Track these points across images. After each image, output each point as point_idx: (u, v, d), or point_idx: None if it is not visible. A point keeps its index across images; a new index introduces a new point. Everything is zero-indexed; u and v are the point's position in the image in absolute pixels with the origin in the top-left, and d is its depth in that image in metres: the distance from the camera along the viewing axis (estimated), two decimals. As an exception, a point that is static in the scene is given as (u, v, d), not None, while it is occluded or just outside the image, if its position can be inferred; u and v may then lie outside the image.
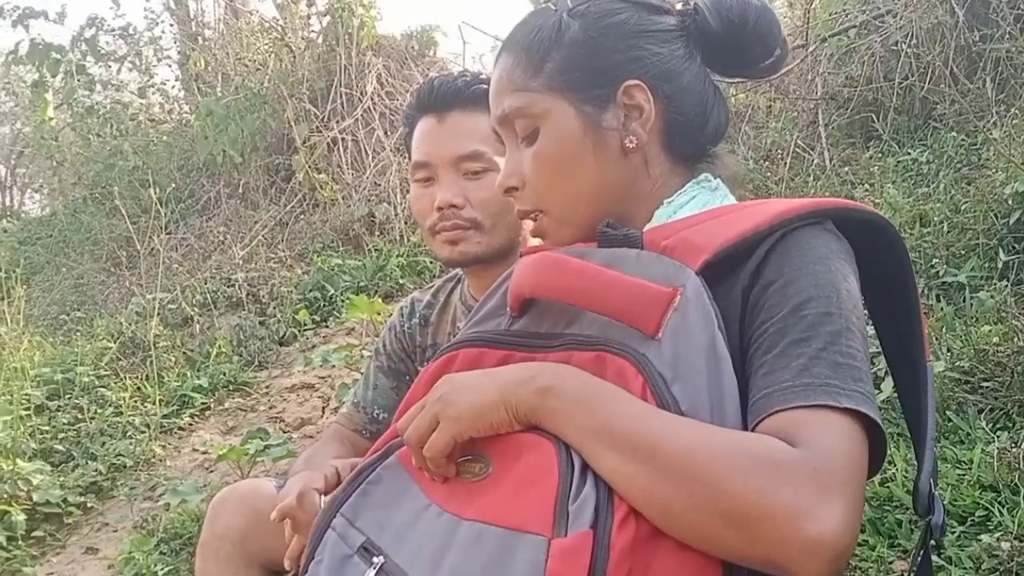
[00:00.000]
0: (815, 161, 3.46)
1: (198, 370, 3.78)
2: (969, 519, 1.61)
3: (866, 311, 0.82)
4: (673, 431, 0.65)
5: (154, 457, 3.16)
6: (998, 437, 1.77)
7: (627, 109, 0.82)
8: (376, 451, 0.82)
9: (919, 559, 0.74)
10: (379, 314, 2.97)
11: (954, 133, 3.16)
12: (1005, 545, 1.49)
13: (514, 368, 0.75)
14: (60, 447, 3.20)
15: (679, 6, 0.86)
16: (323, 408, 3.33)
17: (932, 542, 0.74)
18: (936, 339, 2.09)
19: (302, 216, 5.17)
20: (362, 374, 1.49)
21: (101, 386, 3.65)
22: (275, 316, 4.16)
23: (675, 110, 0.83)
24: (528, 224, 0.92)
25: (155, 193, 4.47)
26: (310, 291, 4.30)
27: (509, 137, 0.87)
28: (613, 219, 0.81)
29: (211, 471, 3.00)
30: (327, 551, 0.77)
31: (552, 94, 0.82)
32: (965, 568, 1.49)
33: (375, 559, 0.73)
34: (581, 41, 0.82)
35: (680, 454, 0.63)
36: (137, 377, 3.66)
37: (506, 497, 0.69)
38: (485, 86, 1.13)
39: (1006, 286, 2.25)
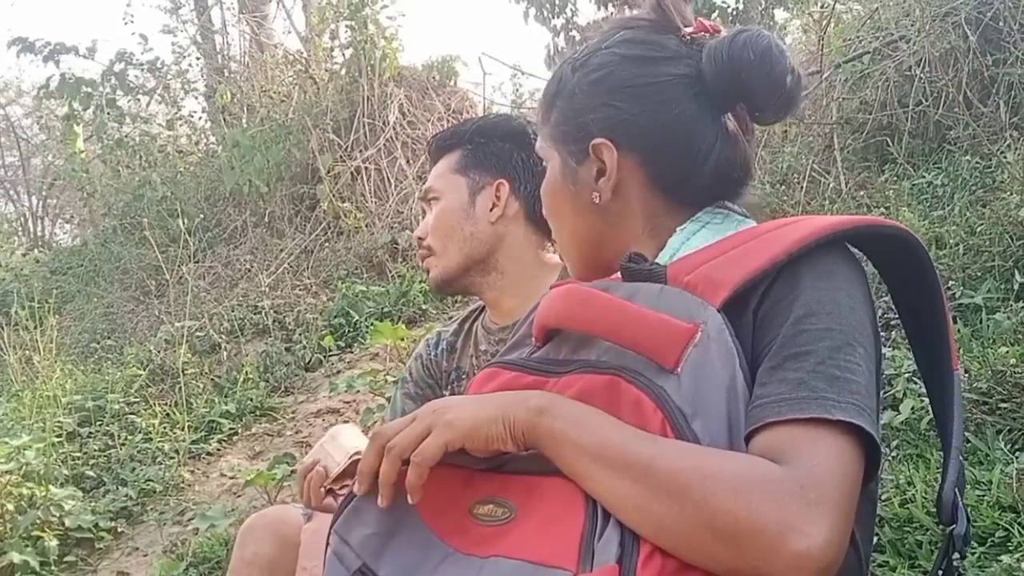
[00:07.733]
0: (831, 185, 3.47)
1: (226, 396, 3.84)
2: (989, 540, 1.60)
3: (897, 322, 0.85)
4: (665, 452, 0.67)
5: (183, 482, 3.22)
6: (1017, 458, 1.77)
7: (598, 164, 0.85)
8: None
9: (940, 572, 0.75)
10: (403, 339, 3.01)
11: (968, 156, 3.16)
12: (1024, 566, 1.50)
13: (509, 392, 0.78)
14: (91, 473, 3.26)
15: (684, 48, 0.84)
16: (348, 433, 3.37)
17: (956, 554, 0.74)
18: (954, 360, 2.10)
19: (326, 244, 5.24)
20: (387, 400, 1.55)
21: (131, 413, 3.71)
22: (301, 342, 4.22)
23: (657, 163, 0.84)
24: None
25: (183, 223, 4.58)
26: (335, 317, 4.35)
27: None
28: (635, 254, 0.82)
29: (239, 496, 3.05)
30: (327, 570, 0.76)
31: (551, 143, 0.89)
32: (984, 589, 1.50)
33: None
34: (571, 96, 0.87)
35: (672, 473, 0.66)
36: (166, 404, 3.73)
37: (530, 534, 0.69)
38: (446, 139, 1.39)
39: (1022, 307, 2.25)
